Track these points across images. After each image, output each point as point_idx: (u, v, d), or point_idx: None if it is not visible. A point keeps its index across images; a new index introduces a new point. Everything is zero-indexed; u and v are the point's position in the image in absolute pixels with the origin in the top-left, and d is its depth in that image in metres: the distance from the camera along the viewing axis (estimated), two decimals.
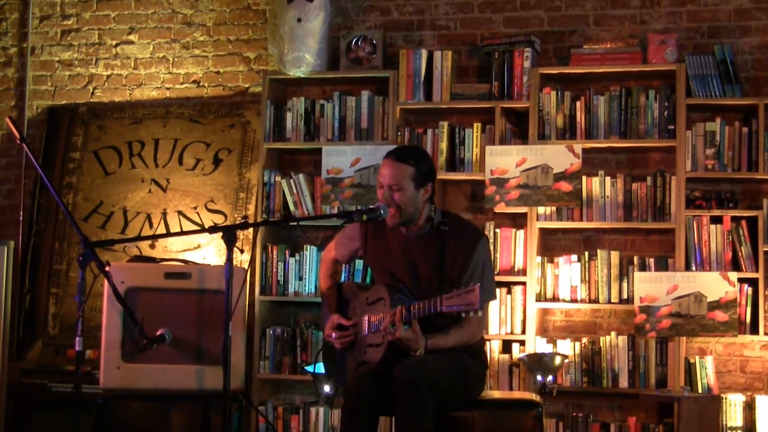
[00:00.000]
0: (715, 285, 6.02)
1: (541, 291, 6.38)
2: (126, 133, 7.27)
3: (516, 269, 6.41)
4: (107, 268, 5.11)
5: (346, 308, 5.07)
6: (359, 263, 6.46)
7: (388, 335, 4.64)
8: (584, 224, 6.42)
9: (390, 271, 4.90)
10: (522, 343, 6.35)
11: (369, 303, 4.91)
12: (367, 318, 4.87)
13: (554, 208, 6.38)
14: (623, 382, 6.26)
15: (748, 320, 6.16)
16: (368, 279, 6.41)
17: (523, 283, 6.37)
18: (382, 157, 4.89)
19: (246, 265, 6.59)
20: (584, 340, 6.35)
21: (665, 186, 6.28)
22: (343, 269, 6.40)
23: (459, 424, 4.76)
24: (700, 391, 6.13)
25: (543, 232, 6.50)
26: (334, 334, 4.97)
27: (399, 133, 6.58)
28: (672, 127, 6.27)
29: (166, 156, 7.16)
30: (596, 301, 6.34)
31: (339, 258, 5.23)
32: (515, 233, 6.44)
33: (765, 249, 6.13)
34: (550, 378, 5.94)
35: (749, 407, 6.14)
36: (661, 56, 6.33)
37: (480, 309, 4.42)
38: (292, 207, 6.72)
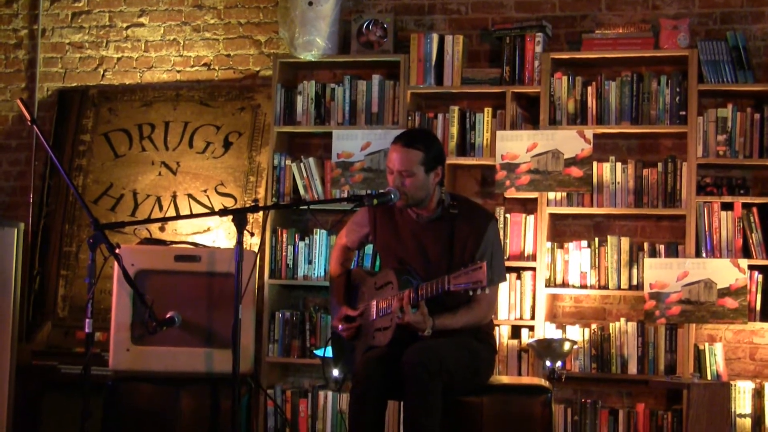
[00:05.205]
0: (726, 272, 6.02)
1: (550, 276, 6.38)
2: (136, 115, 7.27)
3: (526, 255, 6.41)
4: (117, 251, 5.11)
5: (354, 294, 5.08)
6: (368, 248, 6.45)
7: (396, 319, 4.65)
8: (595, 210, 6.41)
9: (399, 256, 4.90)
10: (531, 328, 6.35)
11: (377, 288, 4.91)
12: (375, 302, 4.87)
13: (565, 194, 6.37)
14: (632, 369, 6.25)
15: (758, 307, 6.14)
16: (377, 266, 6.41)
17: (533, 269, 6.37)
18: (391, 142, 4.89)
19: (256, 249, 6.58)
20: (593, 326, 6.35)
21: (676, 172, 6.26)
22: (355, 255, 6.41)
23: (468, 408, 4.77)
24: (709, 377, 6.13)
25: (553, 217, 6.49)
26: (340, 326, 4.98)
27: (409, 118, 6.57)
28: (683, 113, 6.25)
29: (176, 139, 7.16)
30: (606, 287, 6.34)
31: (350, 245, 5.23)
32: (525, 218, 6.43)
33: None
34: (559, 364, 5.93)
35: (758, 394, 6.13)
36: (673, 42, 6.31)
37: (487, 286, 4.42)
38: (302, 191, 6.72)
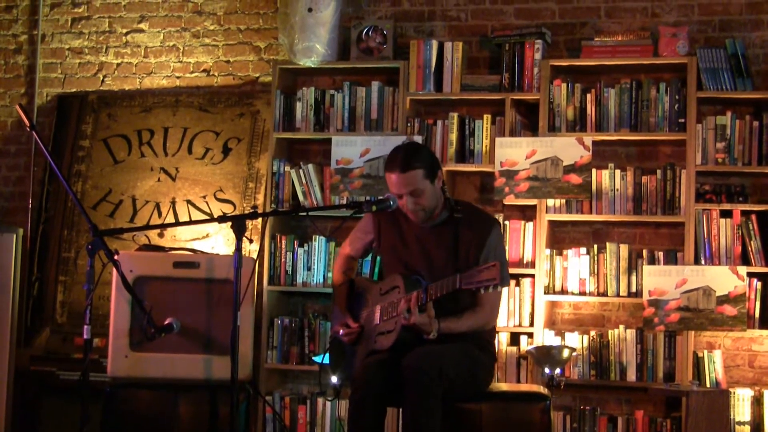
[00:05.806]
0: (725, 279, 6.02)
1: (549, 283, 6.37)
2: (135, 121, 7.27)
3: (525, 261, 6.40)
4: (116, 257, 5.10)
5: (359, 302, 5.07)
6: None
7: (402, 319, 4.64)
8: (593, 217, 6.41)
9: (404, 261, 4.90)
10: (530, 335, 6.34)
11: (382, 293, 4.91)
12: (379, 307, 4.87)
13: (564, 201, 6.37)
14: (631, 376, 6.25)
15: (757, 315, 6.15)
16: (376, 274, 6.40)
17: (532, 276, 6.36)
18: (385, 170, 4.84)
19: (255, 255, 6.58)
20: (592, 333, 6.34)
21: (675, 179, 6.26)
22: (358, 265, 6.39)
23: (467, 416, 4.76)
24: (708, 385, 6.12)
25: (552, 224, 6.49)
26: (341, 330, 4.98)
27: (409, 124, 6.57)
28: (682, 120, 6.25)
29: (176, 145, 7.15)
30: (605, 294, 6.33)
31: (353, 253, 5.23)
32: (524, 225, 6.43)
33: None
34: (557, 371, 5.92)
35: (757, 402, 6.12)
36: (673, 49, 6.31)
37: (500, 284, 4.42)
38: (301, 197, 6.71)
